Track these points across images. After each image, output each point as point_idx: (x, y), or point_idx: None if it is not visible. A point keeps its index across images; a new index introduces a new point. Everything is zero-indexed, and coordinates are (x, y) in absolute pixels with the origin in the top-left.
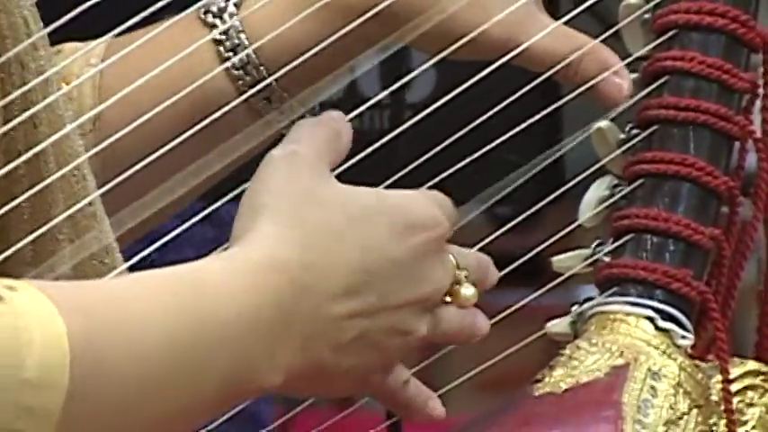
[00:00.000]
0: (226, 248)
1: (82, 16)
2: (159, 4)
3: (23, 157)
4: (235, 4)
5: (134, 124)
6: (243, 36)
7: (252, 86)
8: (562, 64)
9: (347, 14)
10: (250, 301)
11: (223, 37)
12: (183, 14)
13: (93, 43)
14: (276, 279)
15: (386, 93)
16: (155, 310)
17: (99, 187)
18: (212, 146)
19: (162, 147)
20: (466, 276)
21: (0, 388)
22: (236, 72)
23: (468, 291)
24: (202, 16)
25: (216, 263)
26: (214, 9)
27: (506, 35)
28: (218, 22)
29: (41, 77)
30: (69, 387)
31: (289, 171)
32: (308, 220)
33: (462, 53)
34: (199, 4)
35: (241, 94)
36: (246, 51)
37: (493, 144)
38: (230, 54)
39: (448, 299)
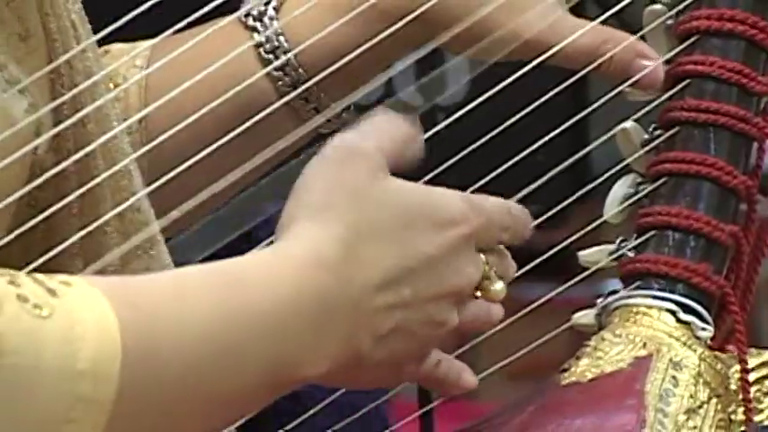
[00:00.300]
0: (271, 242)
1: (126, 15)
2: (207, 8)
3: (74, 158)
4: (274, 8)
5: (179, 127)
6: (282, 39)
7: (291, 86)
8: (601, 59)
9: (385, 18)
10: (291, 296)
11: (263, 39)
12: (225, 21)
13: (140, 46)
14: (318, 274)
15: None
16: (199, 303)
17: (145, 181)
18: (251, 143)
19: (204, 144)
20: (495, 271)
21: (56, 379)
22: (275, 73)
23: (497, 285)
24: (243, 19)
25: (259, 258)
26: (254, 13)
27: (541, 36)
28: (258, 25)
29: (91, 80)
30: (121, 378)
31: (342, 169)
32: (351, 218)
33: (498, 55)
34: (241, 12)
35: (281, 95)
36: (288, 56)
37: (526, 151)
38: (270, 56)
39: (478, 293)
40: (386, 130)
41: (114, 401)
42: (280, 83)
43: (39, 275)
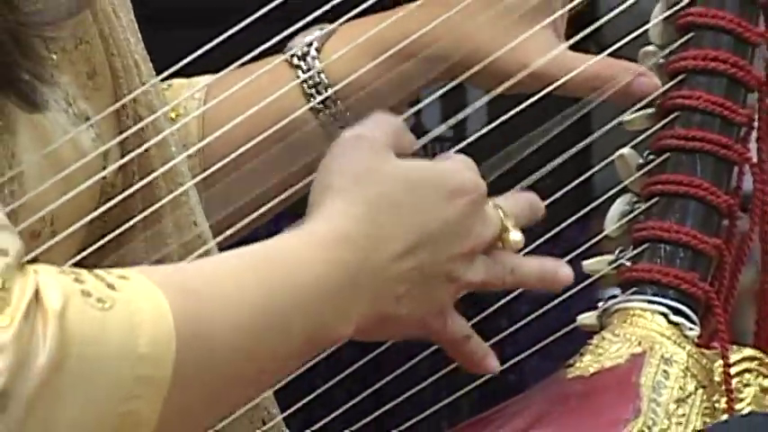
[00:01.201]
0: (300, 223)
1: (184, 50)
2: (257, 51)
3: (140, 184)
4: (316, 49)
5: (234, 155)
6: (323, 76)
7: (331, 116)
8: (617, 86)
9: (409, 58)
10: (321, 270)
11: (307, 77)
12: (273, 60)
13: (199, 82)
14: (342, 249)
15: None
16: (243, 283)
17: (201, 198)
18: (294, 166)
19: (253, 163)
20: (513, 225)
21: (120, 363)
22: (317, 105)
23: (515, 236)
24: (289, 59)
25: (291, 239)
26: (298, 53)
27: (550, 70)
28: (302, 64)
29: (156, 115)
30: (176, 357)
31: (353, 151)
32: (370, 195)
33: (512, 88)
34: (287, 52)
35: (321, 123)
36: (329, 93)
37: (537, 175)
38: (312, 91)
39: (500, 245)
40: (384, 122)
41: (172, 378)
42: (320, 114)
43: (99, 272)
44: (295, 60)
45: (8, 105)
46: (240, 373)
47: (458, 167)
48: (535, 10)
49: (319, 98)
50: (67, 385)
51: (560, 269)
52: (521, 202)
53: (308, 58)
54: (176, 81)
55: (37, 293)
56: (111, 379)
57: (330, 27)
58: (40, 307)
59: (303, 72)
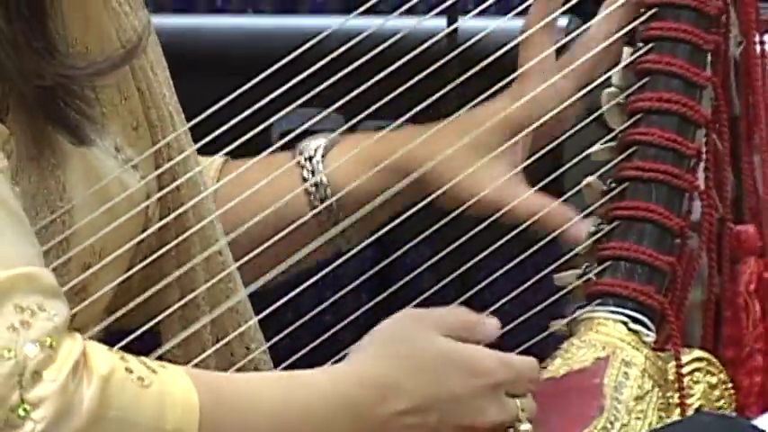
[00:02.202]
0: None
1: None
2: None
3: (171, 216)
4: (322, 155)
5: (238, 231)
6: (324, 178)
7: (326, 211)
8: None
9: (397, 174)
10: (334, 400)
11: (310, 176)
12: (282, 154)
13: (216, 161)
14: (355, 388)
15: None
16: (260, 400)
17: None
18: (291, 246)
19: (261, 241)
20: (527, 417)
21: None
22: (315, 202)
23: (525, 426)
24: (297, 156)
25: (317, 372)
26: (305, 154)
27: (498, 199)
28: (307, 164)
29: (182, 155)
30: None
31: (404, 320)
32: (398, 355)
33: (468, 210)
34: (296, 149)
35: (314, 216)
36: (331, 201)
37: (516, 201)
38: (313, 188)
39: (510, 430)
40: (451, 314)
41: None
42: (317, 209)
43: (142, 357)
44: (302, 159)
45: (61, 143)
46: None
47: (486, 354)
48: (498, 149)
49: (323, 205)
50: None
51: None
52: (531, 401)
53: (314, 161)
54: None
55: (85, 356)
56: None
57: (333, 136)
58: (87, 368)
59: (308, 172)
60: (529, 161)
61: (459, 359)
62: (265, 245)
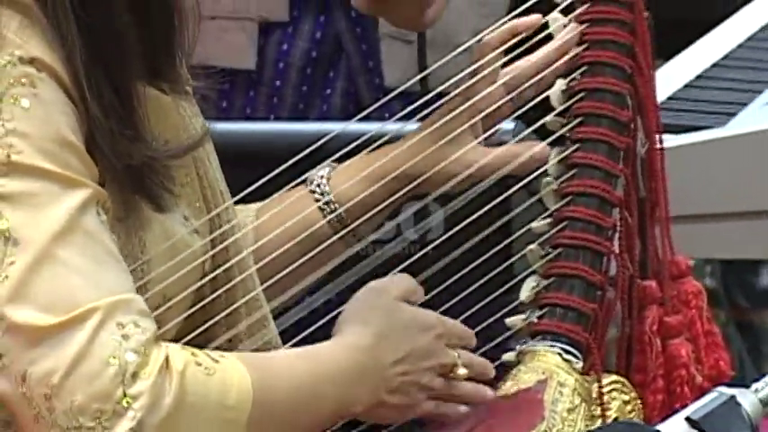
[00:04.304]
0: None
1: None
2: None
3: (222, 289)
4: (327, 179)
5: (272, 255)
6: (332, 196)
7: (337, 222)
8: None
9: (400, 182)
10: (345, 365)
11: (320, 197)
12: (298, 189)
13: (254, 206)
14: (359, 355)
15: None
16: (296, 370)
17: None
18: (312, 257)
19: (289, 262)
20: (462, 363)
21: (215, 410)
22: (328, 216)
23: (461, 371)
24: (308, 186)
25: (328, 345)
26: (314, 180)
27: (475, 162)
28: (317, 189)
29: (230, 224)
30: (251, 409)
31: (372, 294)
32: (380, 323)
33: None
34: (306, 179)
35: (329, 223)
36: (338, 212)
37: (469, 267)
38: (325, 207)
39: (451, 374)
40: (401, 280)
41: (247, 422)
42: (329, 217)
43: (207, 351)
44: (313, 186)
45: (143, 209)
46: (291, 424)
47: (430, 313)
48: (466, 133)
49: (332, 215)
50: (182, 420)
51: (485, 389)
52: (465, 353)
53: (322, 184)
54: (238, 207)
55: (167, 359)
56: (210, 418)
57: (331, 163)
58: (169, 368)
59: (318, 194)
60: (484, 234)
61: (416, 319)
62: (295, 260)
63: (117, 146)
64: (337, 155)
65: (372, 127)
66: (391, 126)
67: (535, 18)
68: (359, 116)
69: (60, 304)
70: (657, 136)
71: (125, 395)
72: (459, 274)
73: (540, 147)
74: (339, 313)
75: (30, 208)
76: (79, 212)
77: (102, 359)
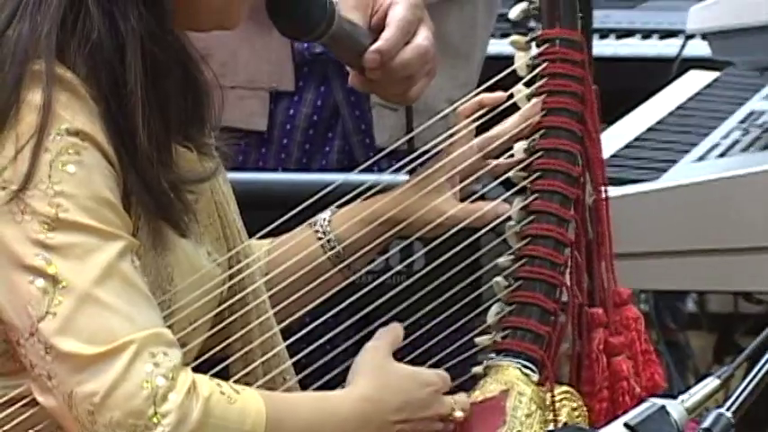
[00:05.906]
0: (343, 386)
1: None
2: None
3: (238, 313)
4: (329, 221)
5: (281, 285)
6: (333, 235)
7: (335, 256)
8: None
9: (388, 225)
10: (351, 413)
11: (323, 236)
12: (304, 230)
13: (266, 243)
14: (364, 404)
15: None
16: (306, 411)
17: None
18: (314, 285)
19: (297, 289)
20: (459, 408)
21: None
22: (329, 252)
23: (457, 414)
24: (313, 227)
25: (339, 394)
26: (318, 222)
27: (455, 215)
28: (320, 229)
29: (248, 260)
30: None
31: (373, 353)
32: (380, 380)
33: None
34: (312, 222)
35: (329, 258)
36: (337, 249)
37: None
38: (326, 243)
39: (450, 417)
40: (388, 332)
41: None
42: (330, 255)
43: (230, 383)
44: (317, 227)
45: (171, 237)
46: None
47: (430, 371)
48: (443, 186)
49: (331, 252)
50: None
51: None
52: (460, 398)
53: (325, 227)
54: (254, 242)
55: (194, 384)
56: None
57: (334, 210)
58: (195, 392)
59: (320, 233)
60: (458, 267)
61: (414, 376)
62: (301, 288)
63: (153, 170)
64: (338, 202)
65: (367, 179)
66: (382, 178)
67: (498, 96)
68: (356, 170)
69: (101, 337)
70: (603, 188)
71: (156, 413)
72: (437, 301)
73: (492, 204)
74: (338, 333)
75: (74, 257)
76: (116, 260)
77: (137, 383)
